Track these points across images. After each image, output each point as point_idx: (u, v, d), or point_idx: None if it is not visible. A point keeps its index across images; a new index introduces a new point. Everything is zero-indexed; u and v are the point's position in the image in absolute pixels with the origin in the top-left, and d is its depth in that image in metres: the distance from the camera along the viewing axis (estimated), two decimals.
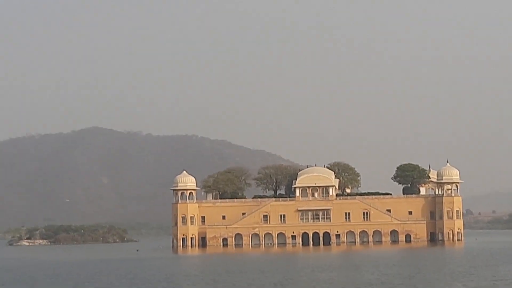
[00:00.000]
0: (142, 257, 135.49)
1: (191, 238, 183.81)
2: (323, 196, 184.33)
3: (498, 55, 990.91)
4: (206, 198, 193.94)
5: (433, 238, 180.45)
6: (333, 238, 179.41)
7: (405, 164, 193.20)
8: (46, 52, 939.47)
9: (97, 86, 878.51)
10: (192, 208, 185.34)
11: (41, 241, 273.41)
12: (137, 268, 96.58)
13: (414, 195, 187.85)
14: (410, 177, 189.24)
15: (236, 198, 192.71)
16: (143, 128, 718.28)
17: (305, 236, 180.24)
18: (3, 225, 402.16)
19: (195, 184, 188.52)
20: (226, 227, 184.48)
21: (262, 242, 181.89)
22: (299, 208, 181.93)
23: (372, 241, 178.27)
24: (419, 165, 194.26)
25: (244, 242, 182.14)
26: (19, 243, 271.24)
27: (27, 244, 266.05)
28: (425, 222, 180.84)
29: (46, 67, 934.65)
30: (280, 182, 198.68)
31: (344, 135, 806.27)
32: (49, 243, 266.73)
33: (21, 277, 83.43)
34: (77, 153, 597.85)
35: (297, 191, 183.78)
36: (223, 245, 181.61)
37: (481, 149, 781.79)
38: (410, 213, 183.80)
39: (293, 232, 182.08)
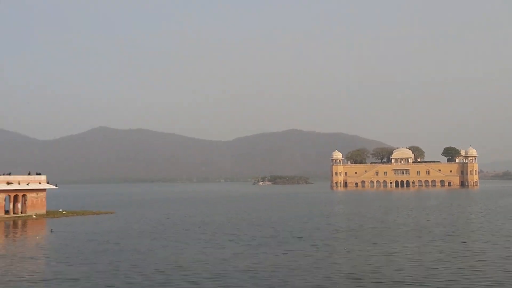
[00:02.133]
0: (316, 191, 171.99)
1: (339, 182, 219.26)
2: (406, 162, 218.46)
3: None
4: (347, 163, 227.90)
5: (463, 184, 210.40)
6: (411, 184, 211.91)
7: (448, 147, 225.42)
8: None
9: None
10: (340, 168, 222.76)
11: (268, 183, 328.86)
12: (312, 197, 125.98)
13: (453, 162, 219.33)
14: (450, 154, 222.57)
15: (362, 163, 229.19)
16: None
17: (396, 182, 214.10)
18: (251, 174, 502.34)
19: (341, 156, 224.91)
20: (357, 177, 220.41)
21: (375, 185, 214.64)
22: (394, 168, 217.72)
23: (430, 185, 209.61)
24: (456, 147, 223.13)
25: (366, 185, 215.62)
26: (258, 184, 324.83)
27: (261, 184, 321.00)
28: (458, 176, 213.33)
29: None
30: (384, 155, 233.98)
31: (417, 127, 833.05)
32: (271, 184, 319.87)
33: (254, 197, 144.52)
34: None
35: (393, 160, 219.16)
36: (355, 186, 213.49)
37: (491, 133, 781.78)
38: (451, 171, 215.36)
39: (390, 181, 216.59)
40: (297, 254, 32.33)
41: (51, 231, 48.76)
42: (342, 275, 25.39)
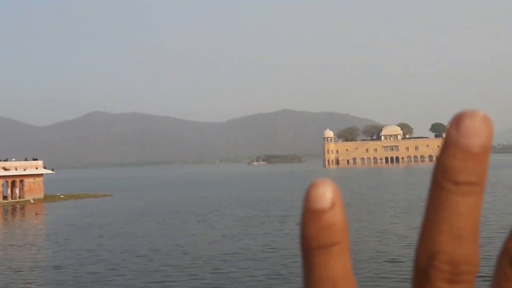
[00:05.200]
0: (309, 169, 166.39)
1: (331, 160, 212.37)
2: (395, 139, 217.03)
3: None
4: (339, 141, 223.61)
5: None
6: (400, 160, 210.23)
7: (436, 123, 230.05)
8: None
9: None
10: (332, 146, 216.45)
11: (262, 162, 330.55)
12: (304, 174, 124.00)
13: (440, 138, 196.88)
14: (438, 129, 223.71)
15: (353, 141, 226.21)
16: None
17: (386, 159, 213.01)
18: (246, 154, 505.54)
19: (332, 134, 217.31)
20: (348, 155, 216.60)
21: (366, 162, 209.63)
22: (384, 145, 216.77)
23: (419, 161, 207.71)
24: (443, 123, 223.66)
25: (357, 162, 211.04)
26: (252, 163, 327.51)
27: (256, 164, 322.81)
28: None
29: None
30: (374, 132, 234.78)
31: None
32: (265, 163, 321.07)
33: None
34: None
35: (383, 137, 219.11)
36: (347, 164, 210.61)
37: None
38: (439, 146, 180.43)
39: (380, 157, 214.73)
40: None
41: (36, 214, 48.77)
42: None
